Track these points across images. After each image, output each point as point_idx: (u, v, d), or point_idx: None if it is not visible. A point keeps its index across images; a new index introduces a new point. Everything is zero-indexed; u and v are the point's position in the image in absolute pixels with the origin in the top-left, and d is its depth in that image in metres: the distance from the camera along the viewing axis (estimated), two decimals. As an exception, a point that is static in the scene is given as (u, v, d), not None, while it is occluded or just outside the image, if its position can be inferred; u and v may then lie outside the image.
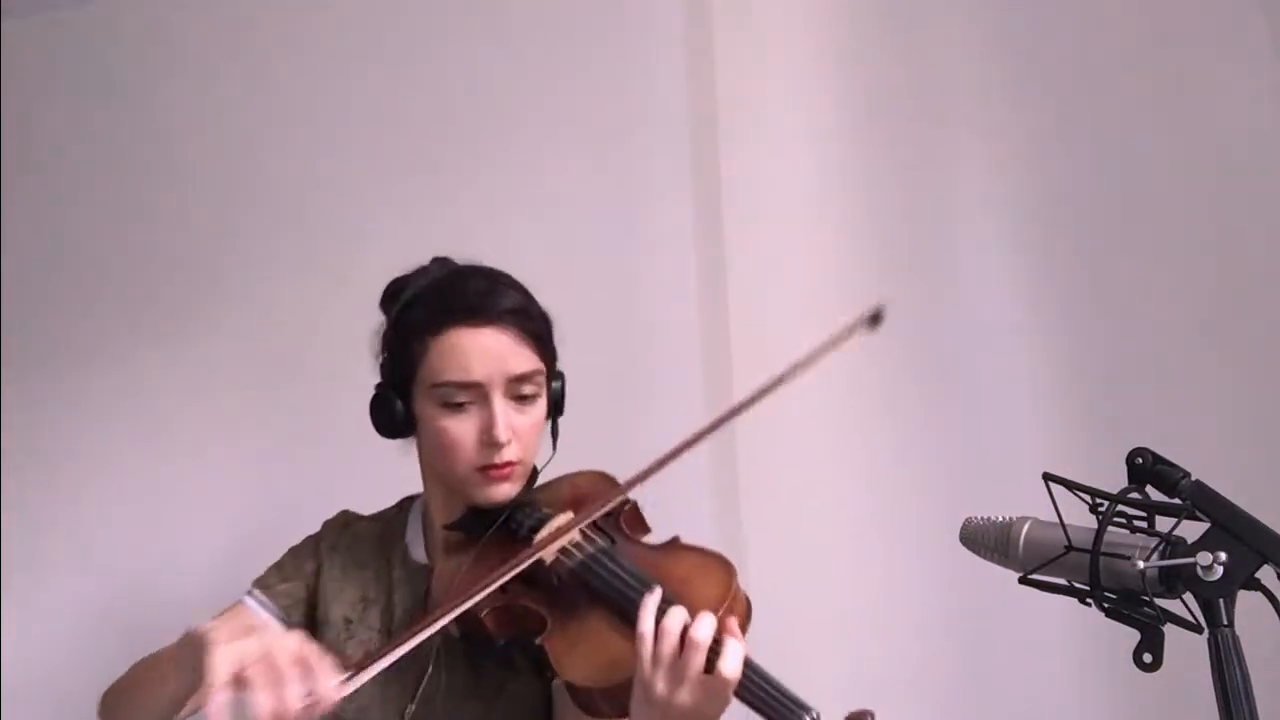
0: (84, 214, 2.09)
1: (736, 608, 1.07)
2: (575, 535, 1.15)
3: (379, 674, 1.12)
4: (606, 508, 1.13)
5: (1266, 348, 1.63)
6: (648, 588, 1.04)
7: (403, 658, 1.10)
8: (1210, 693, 0.80)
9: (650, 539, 1.22)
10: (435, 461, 1.24)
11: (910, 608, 1.64)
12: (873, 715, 0.95)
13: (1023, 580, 0.91)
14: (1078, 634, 1.52)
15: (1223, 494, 0.85)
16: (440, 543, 1.26)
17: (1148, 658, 0.84)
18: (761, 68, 1.89)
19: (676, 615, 0.99)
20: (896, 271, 1.78)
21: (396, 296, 1.27)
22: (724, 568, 1.11)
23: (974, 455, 1.66)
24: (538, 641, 1.08)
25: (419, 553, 1.31)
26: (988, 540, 0.94)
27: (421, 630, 1.01)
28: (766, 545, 1.65)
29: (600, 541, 1.16)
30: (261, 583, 1.30)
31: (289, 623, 1.26)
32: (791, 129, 1.85)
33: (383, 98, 2.00)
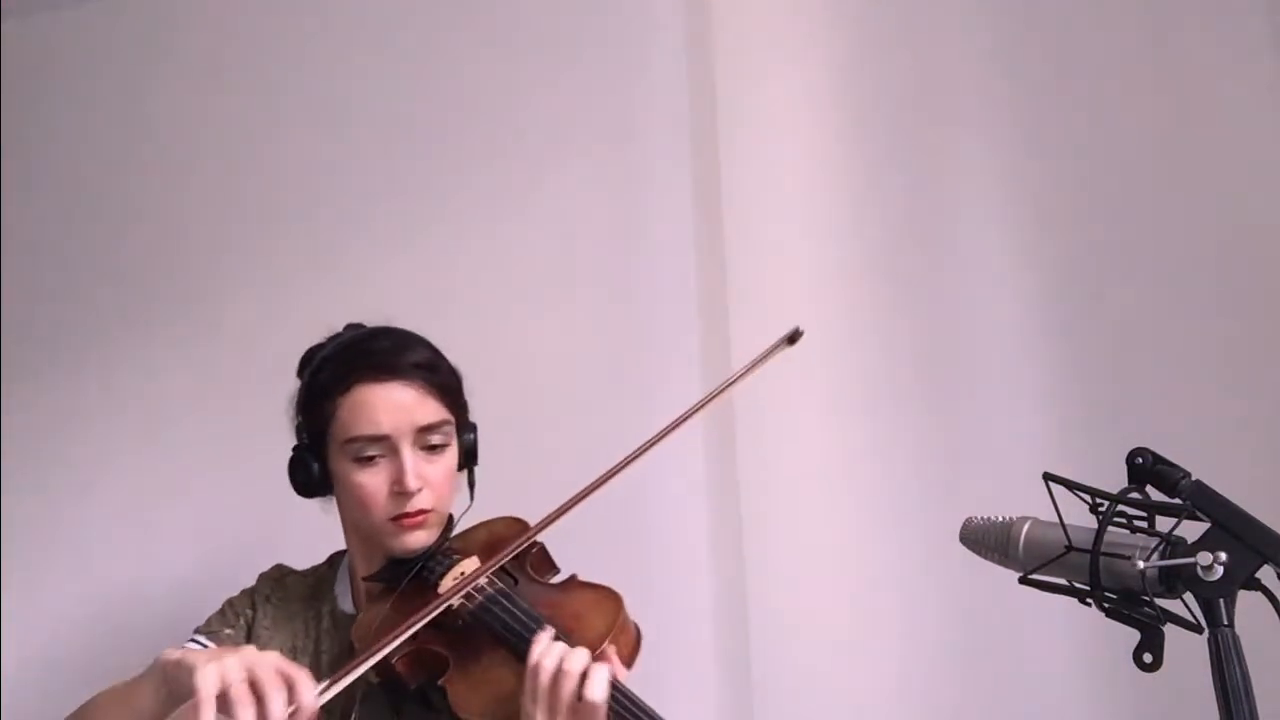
0: (83, 214, 2.09)
1: (624, 638, 1.16)
2: (481, 580, 1.21)
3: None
4: (508, 553, 1.19)
5: (1266, 348, 1.63)
6: (540, 626, 1.13)
7: (327, 703, 1.16)
8: (1210, 693, 0.80)
9: (554, 578, 1.30)
10: (352, 515, 1.29)
11: (910, 608, 1.63)
12: None
13: (1023, 580, 0.91)
14: (1078, 634, 1.52)
15: (1223, 494, 0.84)
16: (363, 594, 1.31)
17: (1148, 658, 0.84)
18: (761, 68, 1.89)
19: (554, 650, 1.08)
20: (896, 271, 1.78)
21: (309, 362, 1.34)
22: (612, 601, 1.19)
23: (974, 455, 1.66)
24: (439, 683, 1.15)
25: (347, 604, 1.35)
26: (988, 540, 0.94)
27: (345, 675, 1.06)
28: (766, 545, 1.66)
29: (501, 584, 1.22)
30: (205, 629, 1.34)
31: None
32: (791, 129, 1.86)
33: (383, 98, 2.00)
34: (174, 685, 1.03)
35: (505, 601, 1.19)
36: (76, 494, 1.92)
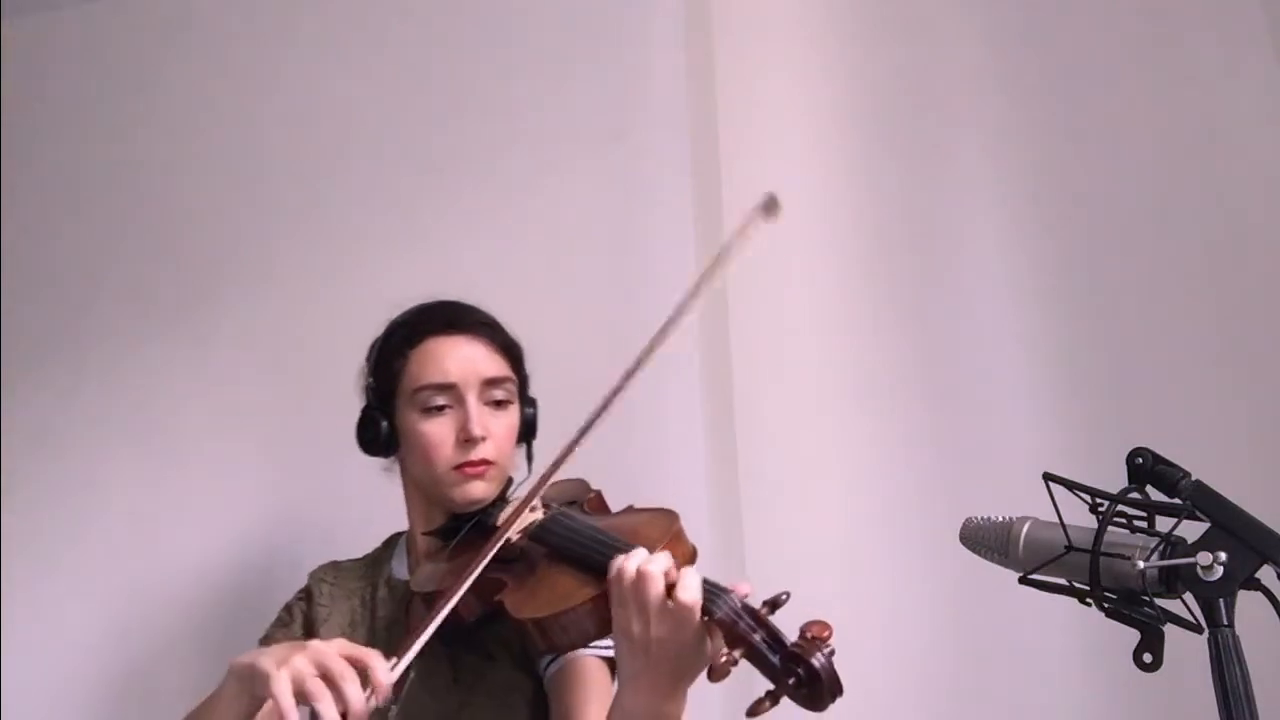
0: (84, 214, 2.09)
1: (680, 549, 1.10)
2: (538, 514, 1.20)
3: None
4: (560, 470, 1.14)
5: (1266, 347, 1.63)
6: (603, 537, 1.10)
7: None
8: (1210, 693, 0.80)
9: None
10: (416, 469, 1.31)
11: (910, 608, 1.63)
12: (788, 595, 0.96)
13: (1023, 580, 0.91)
14: (1078, 634, 1.52)
15: (1223, 494, 0.84)
16: (421, 553, 1.33)
17: (1148, 658, 0.84)
18: (761, 68, 1.89)
19: (636, 555, 1.02)
20: (896, 271, 1.78)
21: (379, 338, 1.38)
22: (668, 515, 1.16)
23: (974, 455, 1.66)
24: (496, 598, 1.12)
25: (403, 573, 1.37)
26: (988, 540, 0.94)
27: (414, 641, 1.04)
28: (766, 546, 1.65)
29: (555, 510, 1.22)
30: (266, 640, 1.36)
31: None
32: (791, 129, 1.85)
33: (384, 98, 2.00)
34: (251, 689, 1.03)
35: (565, 520, 1.18)
36: (76, 494, 1.91)
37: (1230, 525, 0.82)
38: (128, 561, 1.85)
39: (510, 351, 1.35)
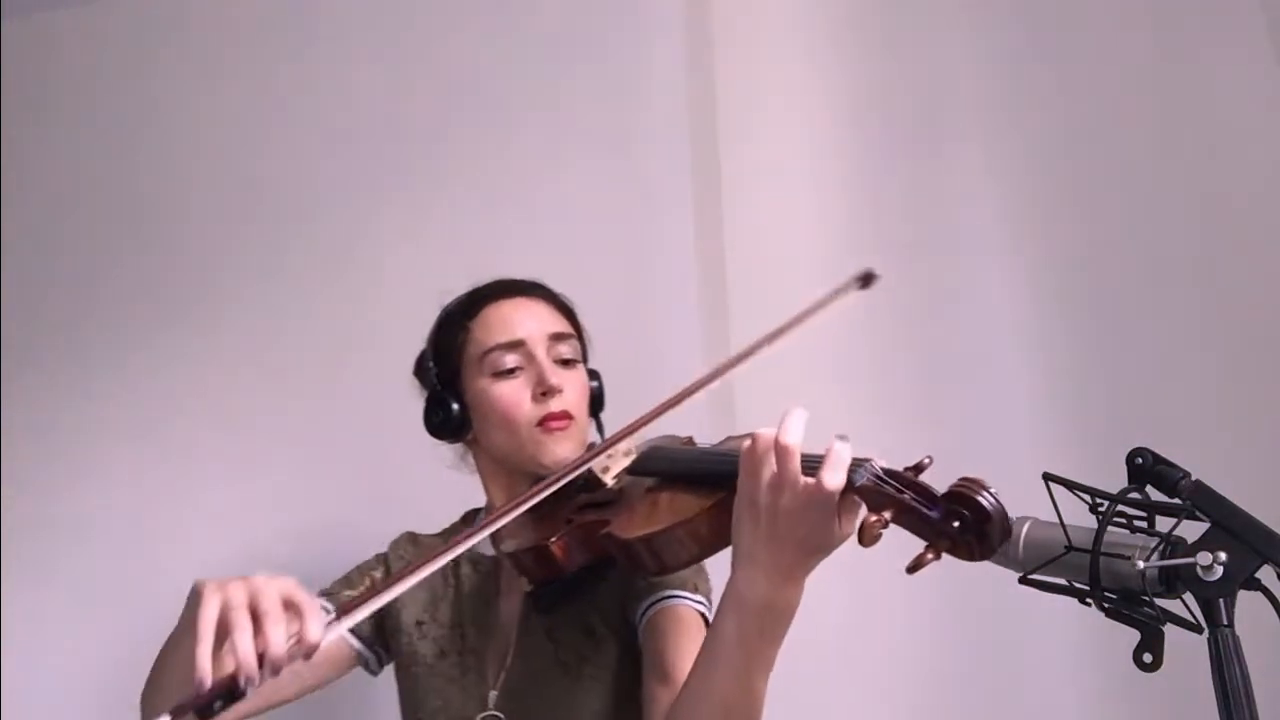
0: (84, 213, 2.09)
1: None
2: (630, 457, 1.16)
3: (454, 666, 1.20)
4: (656, 413, 1.05)
5: (1266, 347, 1.63)
6: (715, 453, 1.06)
7: (480, 641, 1.19)
8: (1210, 693, 0.80)
9: None
10: (495, 436, 1.25)
11: (910, 608, 1.63)
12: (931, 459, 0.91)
13: (1023, 580, 0.91)
14: (1078, 634, 1.52)
15: (1223, 494, 0.84)
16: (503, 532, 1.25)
17: (1148, 658, 0.84)
18: (761, 69, 1.89)
19: (769, 432, 0.95)
20: (896, 271, 1.77)
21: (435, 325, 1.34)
22: None
23: (974, 455, 1.65)
24: (602, 532, 1.07)
25: (485, 546, 1.31)
26: (988, 540, 0.94)
27: (367, 601, 0.95)
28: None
29: (648, 446, 1.17)
30: (327, 591, 1.30)
31: (357, 631, 1.27)
32: (791, 129, 1.86)
33: (385, 99, 2.00)
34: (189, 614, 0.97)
35: (666, 449, 1.14)
36: (77, 493, 1.92)
37: (1230, 525, 0.81)
38: (128, 560, 1.85)
39: (569, 311, 1.33)
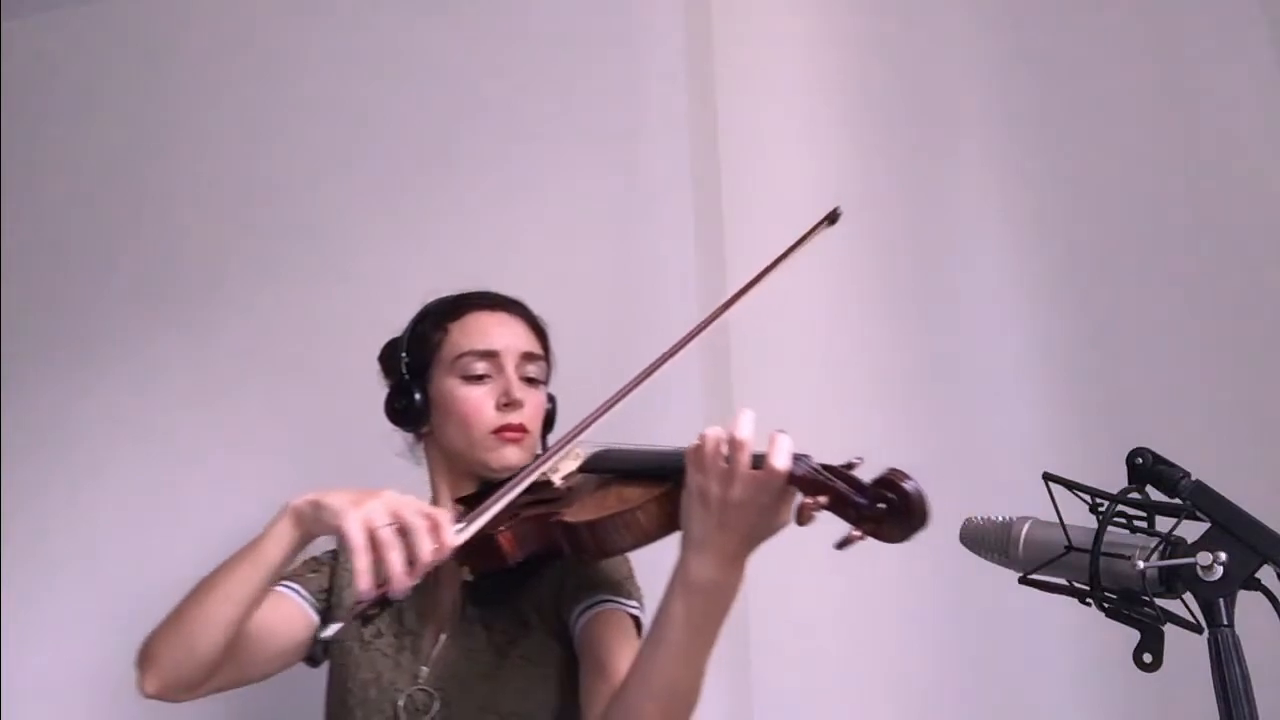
0: (84, 214, 2.10)
1: None
2: (577, 460, 1.24)
3: (389, 644, 1.27)
4: (597, 416, 1.16)
5: (1266, 348, 1.63)
6: (660, 450, 1.13)
7: (417, 624, 1.28)
8: (1210, 693, 0.80)
9: None
10: (451, 433, 1.32)
11: (910, 607, 1.63)
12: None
13: (1023, 580, 0.91)
14: (1078, 634, 1.52)
15: (1223, 494, 0.84)
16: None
17: (1148, 658, 0.84)
18: (761, 67, 1.89)
19: (720, 428, 1.04)
20: (896, 271, 1.78)
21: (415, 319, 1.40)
22: None
23: (974, 455, 1.66)
24: (551, 520, 1.13)
25: None
26: (988, 540, 0.94)
27: (481, 514, 1.07)
28: (766, 547, 1.65)
29: (596, 449, 1.24)
30: (291, 574, 1.34)
31: (320, 609, 1.32)
32: (791, 129, 1.86)
33: (386, 99, 2.00)
34: (312, 526, 1.07)
35: (614, 449, 1.21)
36: (76, 493, 1.92)
37: (1230, 525, 0.81)
38: (129, 560, 1.85)
39: (543, 335, 1.40)
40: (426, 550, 0.98)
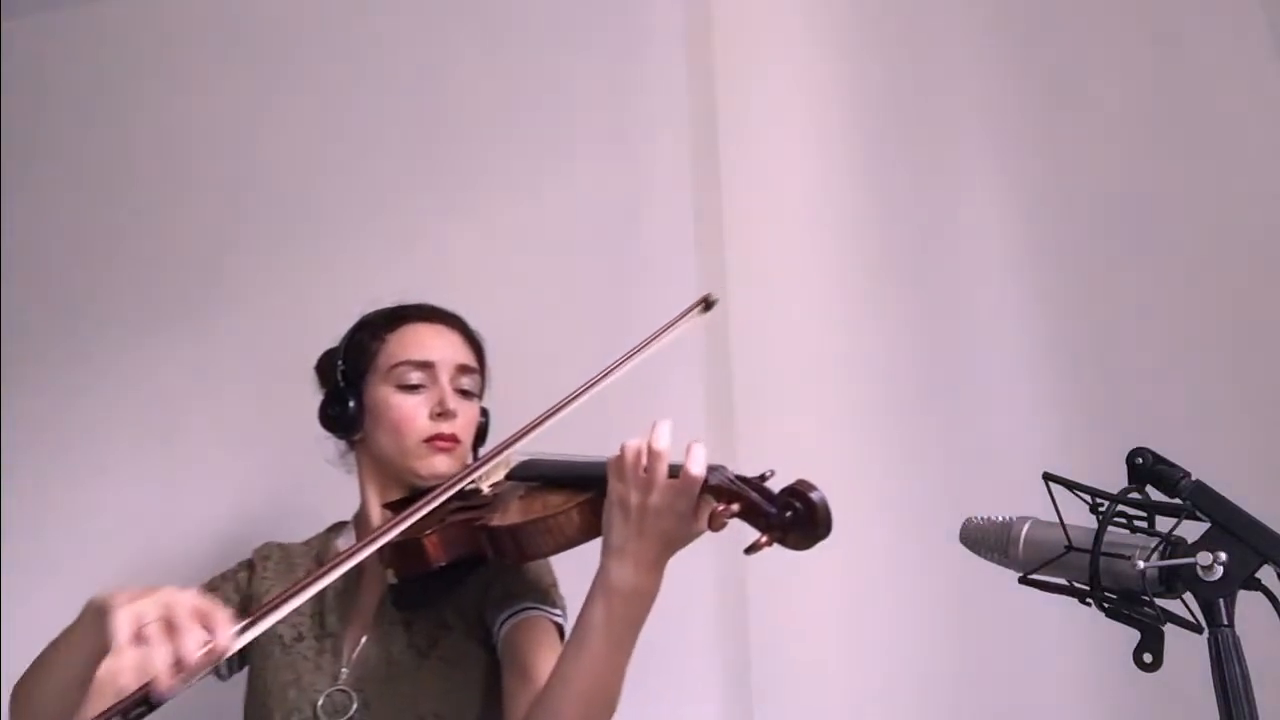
0: (84, 212, 2.10)
1: None
2: (504, 470, 1.27)
3: (310, 648, 1.27)
4: (531, 428, 1.19)
5: (1267, 347, 1.63)
6: (586, 460, 1.16)
7: (339, 626, 1.30)
8: (1210, 693, 0.80)
9: None
10: (383, 441, 1.34)
11: (910, 608, 1.63)
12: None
13: (1023, 580, 0.91)
14: (1078, 634, 1.52)
15: (1223, 494, 0.84)
16: (373, 529, 1.32)
17: (1148, 658, 0.84)
18: (761, 68, 1.89)
19: (639, 440, 1.09)
20: (896, 271, 1.78)
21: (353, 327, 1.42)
22: None
23: (974, 455, 1.66)
24: (476, 524, 1.17)
25: (350, 538, 1.40)
26: (987, 540, 0.94)
27: (352, 554, 1.07)
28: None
29: (524, 459, 1.27)
30: (208, 585, 1.38)
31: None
32: (791, 129, 1.86)
33: (384, 98, 2.00)
34: (98, 625, 1.02)
35: (541, 459, 1.24)
36: (77, 491, 1.92)
37: (1230, 525, 0.81)
38: (128, 558, 1.85)
39: (479, 349, 1.42)
40: (191, 651, 0.93)
